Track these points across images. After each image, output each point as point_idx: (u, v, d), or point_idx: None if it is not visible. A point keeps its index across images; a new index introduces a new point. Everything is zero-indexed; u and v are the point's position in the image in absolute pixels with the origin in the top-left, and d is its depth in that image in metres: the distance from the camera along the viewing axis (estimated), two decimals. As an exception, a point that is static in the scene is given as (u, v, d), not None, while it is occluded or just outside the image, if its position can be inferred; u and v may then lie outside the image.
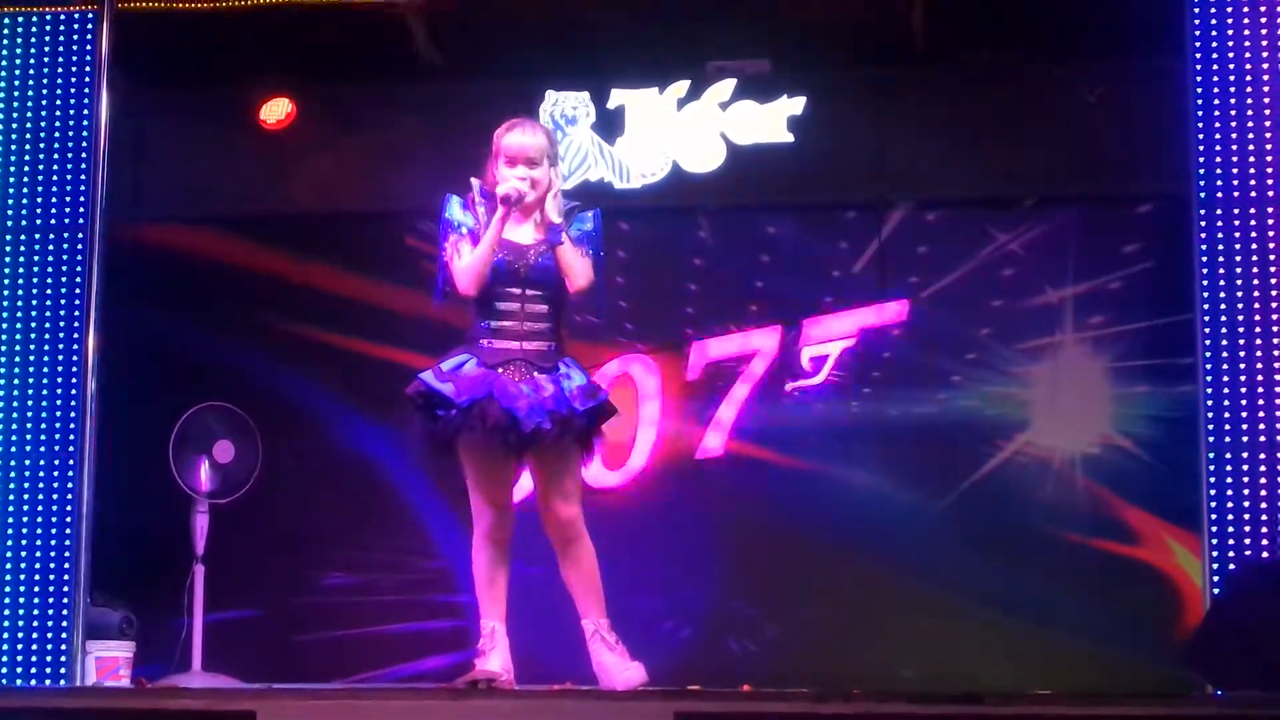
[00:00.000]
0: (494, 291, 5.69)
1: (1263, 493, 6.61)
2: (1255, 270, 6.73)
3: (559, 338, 5.77)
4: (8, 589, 6.99)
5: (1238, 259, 6.74)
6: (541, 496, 5.75)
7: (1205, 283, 6.75)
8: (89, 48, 7.22)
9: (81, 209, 7.17)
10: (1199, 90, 6.79)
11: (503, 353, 5.68)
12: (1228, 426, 6.67)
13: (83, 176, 7.19)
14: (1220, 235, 6.76)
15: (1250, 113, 6.76)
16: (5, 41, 7.28)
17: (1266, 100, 6.74)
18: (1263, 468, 6.62)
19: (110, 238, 7.23)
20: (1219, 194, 6.76)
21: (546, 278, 5.71)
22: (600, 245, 5.84)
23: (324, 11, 7.73)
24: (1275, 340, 6.66)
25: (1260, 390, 6.67)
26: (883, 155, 7.90)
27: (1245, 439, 6.64)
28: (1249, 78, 6.77)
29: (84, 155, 7.19)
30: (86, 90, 7.21)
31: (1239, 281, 6.72)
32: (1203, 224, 6.76)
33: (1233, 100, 6.77)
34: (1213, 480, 6.64)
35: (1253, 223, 6.75)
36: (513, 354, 5.67)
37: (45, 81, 7.25)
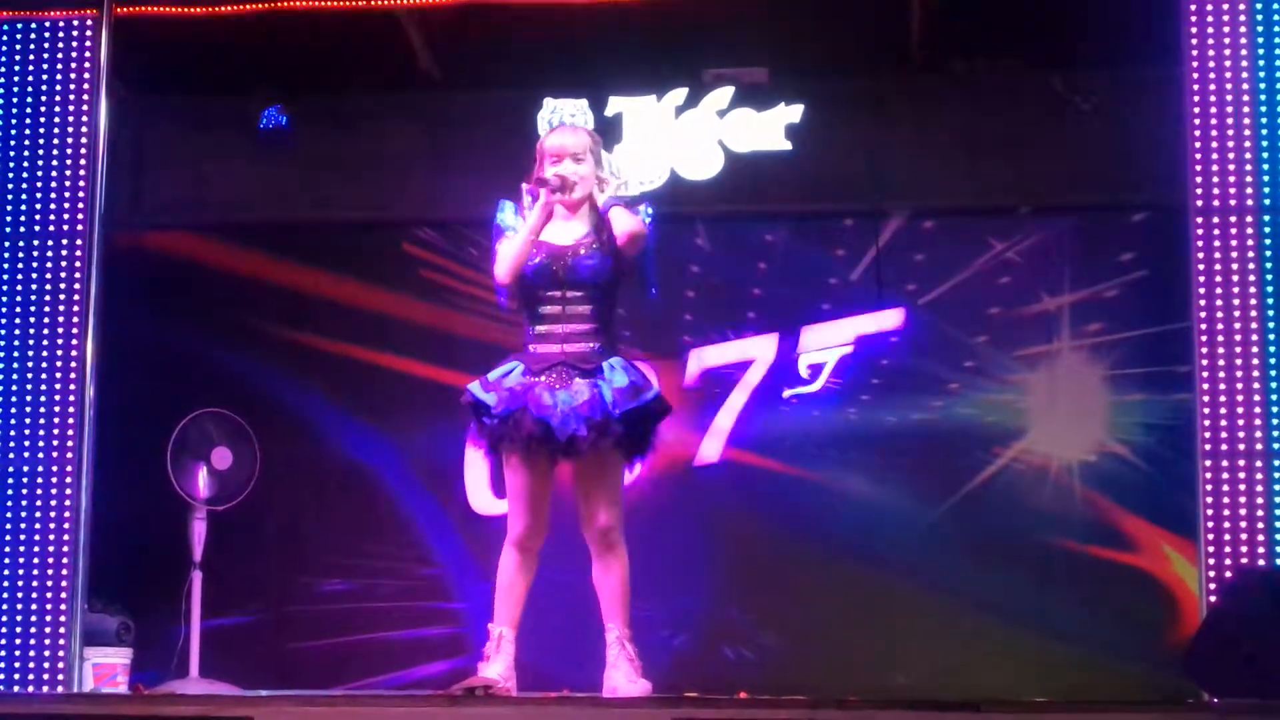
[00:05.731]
0: (536, 295, 5.68)
1: (1259, 500, 6.60)
2: (1251, 278, 6.73)
3: (606, 337, 5.71)
4: (5, 595, 6.97)
5: (1234, 267, 6.74)
6: (581, 502, 5.71)
7: (1202, 290, 6.75)
8: (88, 55, 7.22)
9: (80, 215, 7.17)
10: (1195, 99, 6.79)
11: (545, 357, 5.66)
12: (1224, 434, 6.66)
13: (81, 183, 7.19)
14: (1217, 244, 6.75)
15: (1247, 121, 6.76)
16: (4, 48, 7.29)
17: (1263, 109, 6.75)
18: (1259, 475, 6.61)
19: (109, 244, 7.22)
20: (1215, 202, 6.76)
21: (588, 277, 5.68)
22: (652, 217, 5.80)
23: (322, 19, 7.73)
24: (1271, 348, 6.67)
25: (1256, 398, 6.66)
26: (880, 163, 7.91)
27: (1241, 446, 6.63)
28: (1245, 86, 6.78)
29: (83, 161, 7.19)
30: (85, 97, 7.21)
31: (1235, 290, 6.72)
32: (1199, 232, 6.77)
33: (1229, 109, 6.77)
34: (1209, 488, 6.63)
35: (1249, 231, 6.75)
36: (554, 358, 5.65)
37: (44, 88, 7.25)
